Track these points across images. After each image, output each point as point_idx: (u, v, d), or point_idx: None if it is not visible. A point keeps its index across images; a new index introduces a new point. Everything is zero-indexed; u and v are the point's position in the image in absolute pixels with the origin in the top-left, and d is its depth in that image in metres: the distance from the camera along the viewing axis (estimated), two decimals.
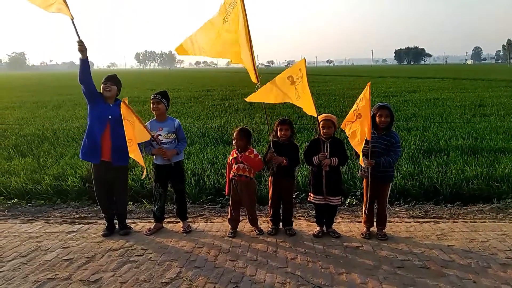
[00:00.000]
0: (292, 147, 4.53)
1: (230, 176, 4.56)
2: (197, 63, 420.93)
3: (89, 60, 4.35)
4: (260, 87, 4.22)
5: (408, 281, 3.46)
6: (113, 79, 4.53)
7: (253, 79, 4.20)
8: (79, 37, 4.20)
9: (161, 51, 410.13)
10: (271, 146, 4.41)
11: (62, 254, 4.12)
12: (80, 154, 4.59)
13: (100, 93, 4.49)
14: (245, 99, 4.45)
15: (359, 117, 4.22)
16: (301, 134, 9.41)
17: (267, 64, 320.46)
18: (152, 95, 4.64)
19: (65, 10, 4.16)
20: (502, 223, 4.83)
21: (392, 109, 4.35)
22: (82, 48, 4.23)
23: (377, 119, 4.29)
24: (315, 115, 4.17)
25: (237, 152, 4.51)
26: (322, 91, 24.43)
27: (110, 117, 4.40)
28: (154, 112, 4.64)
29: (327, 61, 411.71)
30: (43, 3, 4.26)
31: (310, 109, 4.12)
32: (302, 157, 4.66)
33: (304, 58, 4.16)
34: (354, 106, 4.32)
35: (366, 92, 4.15)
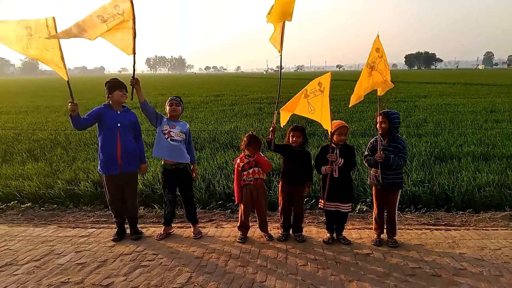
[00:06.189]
0: (305, 154, 4.57)
1: (244, 182, 4.55)
2: (207, 68, 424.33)
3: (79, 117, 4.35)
4: (281, 56, 4.48)
5: None
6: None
7: (278, 48, 4.46)
8: (73, 99, 4.27)
9: (172, 56, 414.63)
10: (272, 143, 4.50)
11: (74, 258, 4.18)
12: (100, 170, 4.56)
13: (100, 108, 4.53)
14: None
15: (374, 68, 4.35)
16: (311, 139, 9.42)
17: (277, 69, 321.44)
18: (171, 97, 4.74)
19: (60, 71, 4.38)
20: None
21: (394, 115, 4.31)
22: (73, 108, 4.26)
23: (377, 125, 4.36)
24: (330, 130, 4.28)
25: (246, 157, 4.54)
26: (332, 96, 24.24)
27: (119, 124, 4.45)
28: (170, 113, 4.70)
29: (337, 66, 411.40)
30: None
31: (326, 123, 4.33)
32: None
33: (330, 72, 4.49)
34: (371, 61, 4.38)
35: (378, 43, 4.31)
